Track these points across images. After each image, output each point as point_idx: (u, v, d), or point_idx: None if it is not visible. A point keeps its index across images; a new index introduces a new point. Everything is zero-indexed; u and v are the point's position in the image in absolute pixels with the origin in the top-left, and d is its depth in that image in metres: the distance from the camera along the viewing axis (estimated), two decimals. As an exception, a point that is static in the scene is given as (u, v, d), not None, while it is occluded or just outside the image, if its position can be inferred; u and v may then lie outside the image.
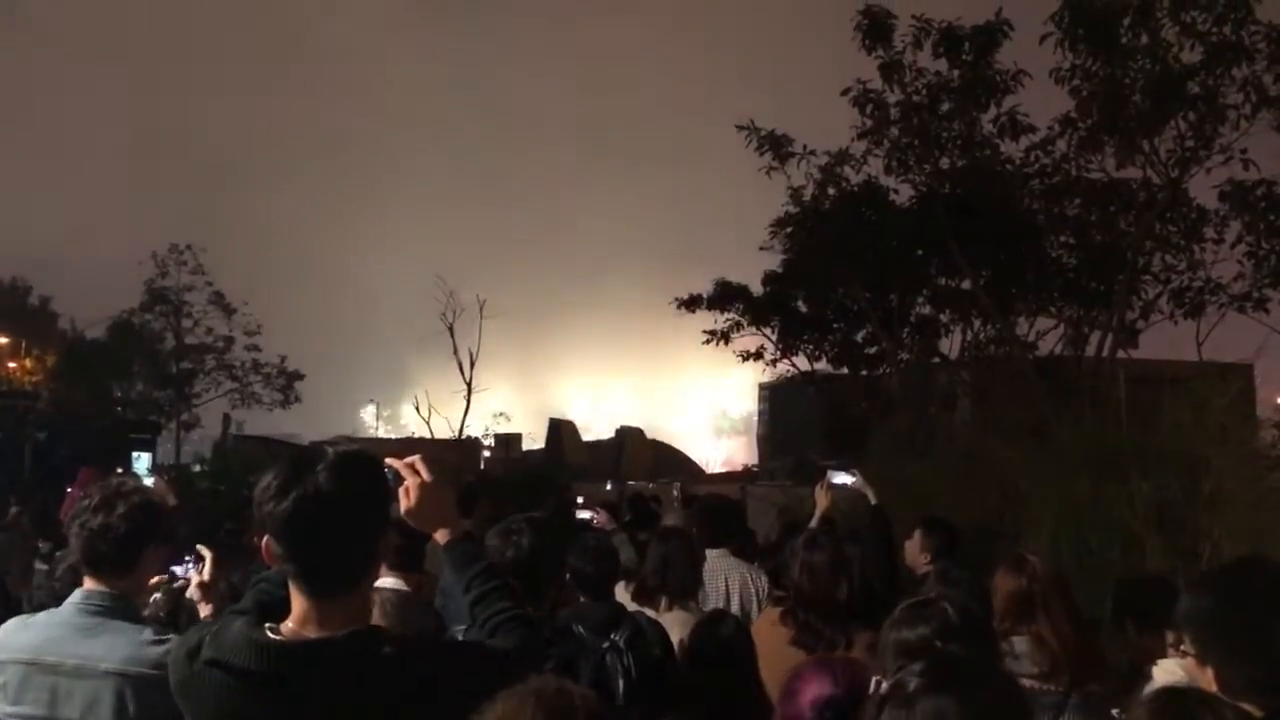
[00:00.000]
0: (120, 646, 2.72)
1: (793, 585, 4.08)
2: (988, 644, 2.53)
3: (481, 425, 36.57)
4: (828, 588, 3.93)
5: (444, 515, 2.20)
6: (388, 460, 2.10)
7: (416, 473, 2.17)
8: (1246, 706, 1.83)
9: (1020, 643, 3.20)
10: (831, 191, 14.74)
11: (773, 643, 3.80)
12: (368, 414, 57.37)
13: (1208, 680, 1.96)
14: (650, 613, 4.02)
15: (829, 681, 1.97)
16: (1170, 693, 1.96)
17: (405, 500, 2.16)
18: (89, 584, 2.86)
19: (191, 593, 3.21)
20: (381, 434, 49.59)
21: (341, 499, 1.81)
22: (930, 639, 2.36)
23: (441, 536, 2.20)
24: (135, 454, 22.34)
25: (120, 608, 2.83)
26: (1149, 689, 2.33)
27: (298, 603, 1.86)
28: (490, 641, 2.05)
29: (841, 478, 5.91)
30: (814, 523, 5.94)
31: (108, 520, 2.85)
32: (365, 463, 1.91)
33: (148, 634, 2.88)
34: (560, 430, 36.84)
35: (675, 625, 3.93)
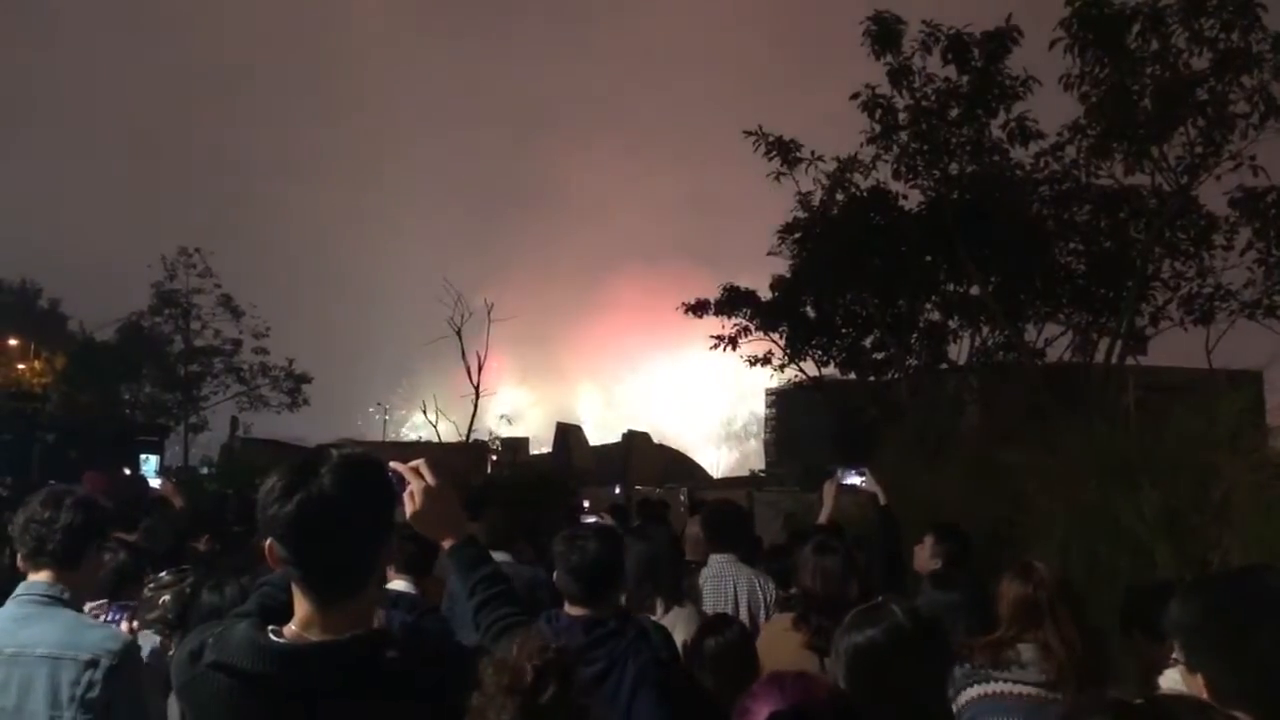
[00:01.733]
0: (53, 632, 2.76)
1: (804, 590, 4.07)
2: (939, 647, 2.52)
3: (488, 429, 36.70)
4: (840, 591, 3.93)
5: (450, 519, 2.20)
6: (391, 464, 2.09)
7: (421, 477, 2.16)
8: (1238, 714, 1.82)
9: (1026, 650, 3.18)
10: (840, 197, 14.75)
11: (787, 648, 3.80)
12: (375, 417, 57.45)
13: (1198, 687, 1.95)
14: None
15: (777, 697, 1.97)
16: (1162, 700, 1.95)
17: (410, 505, 2.15)
18: (32, 577, 2.90)
19: None
20: (389, 437, 49.62)
21: (345, 502, 1.80)
22: (879, 641, 2.36)
23: (447, 541, 2.19)
24: (143, 456, 22.39)
25: (60, 599, 2.86)
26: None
27: (301, 606, 1.85)
28: (494, 647, 2.05)
29: (851, 478, 5.91)
30: (822, 519, 5.94)
31: (55, 515, 2.90)
32: (369, 466, 1.90)
33: (84, 620, 2.91)
34: (567, 435, 36.87)
35: (677, 626, 3.93)
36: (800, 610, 4.03)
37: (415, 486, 2.15)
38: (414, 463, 2.19)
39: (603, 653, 3.17)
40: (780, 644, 3.84)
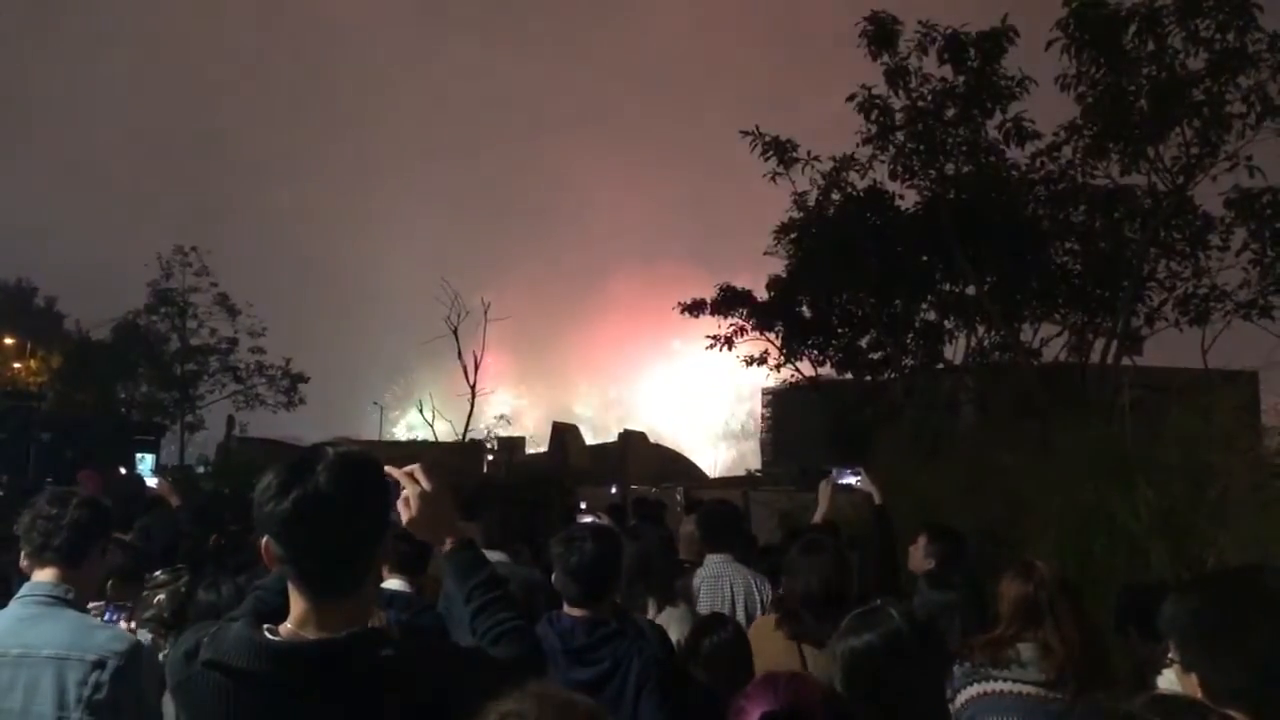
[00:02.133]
0: (60, 633, 2.75)
1: (787, 585, 4.09)
2: (937, 651, 2.52)
3: (485, 428, 36.68)
4: (825, 589, 3.93)
5: (446, 523, 2.18)
6: (387, 469, 2.07)
7: (416, 482, 2.14)
8: (1233, 714, 1.81)
9: (1026, 649, 3.18)
10: (836, 197, 14.77)
11: (772, 647, 3.81)
12: (371, 416, 57.40)
13: (1192, 686, 1.95)
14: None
15: (770, 698, 1.97)
16: (1157, 699, 1.95)
17: (406, 511, 2.13)
18: (36, 577, 2.90)
19: None
20: (385, 437, 49.55)
21: (341, 499, 1.79)
22: (876, 646, 2.36)
23: (444, 545, 2.18)
24: (139, 455, 22.39)
25: (64, 599, 2.85)
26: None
27: (297, 604, 1.85)
28: (492, 650, 2.04)
29: (847, 478, 5.92)
30: (817, 518, 5.94)
31: (62, 512, 2.91)
32: (365, 463, 1.90)
33: (90, 621, 2.91)
34: (564, 434, 36.81)
35: (670, 626, 3.92)
36: (782, 609, 4.06)
37: (411, 492, 2.13)
38: (409, 468, 2.17)
39: (606, 652, 3.17)
40: (766, 643, 3.84)
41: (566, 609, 3.33)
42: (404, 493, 2.13)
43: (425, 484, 2.14)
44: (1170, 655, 2.06)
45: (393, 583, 4.24)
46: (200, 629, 1.89)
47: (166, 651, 3.55)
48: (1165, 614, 2.07)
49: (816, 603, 3.91)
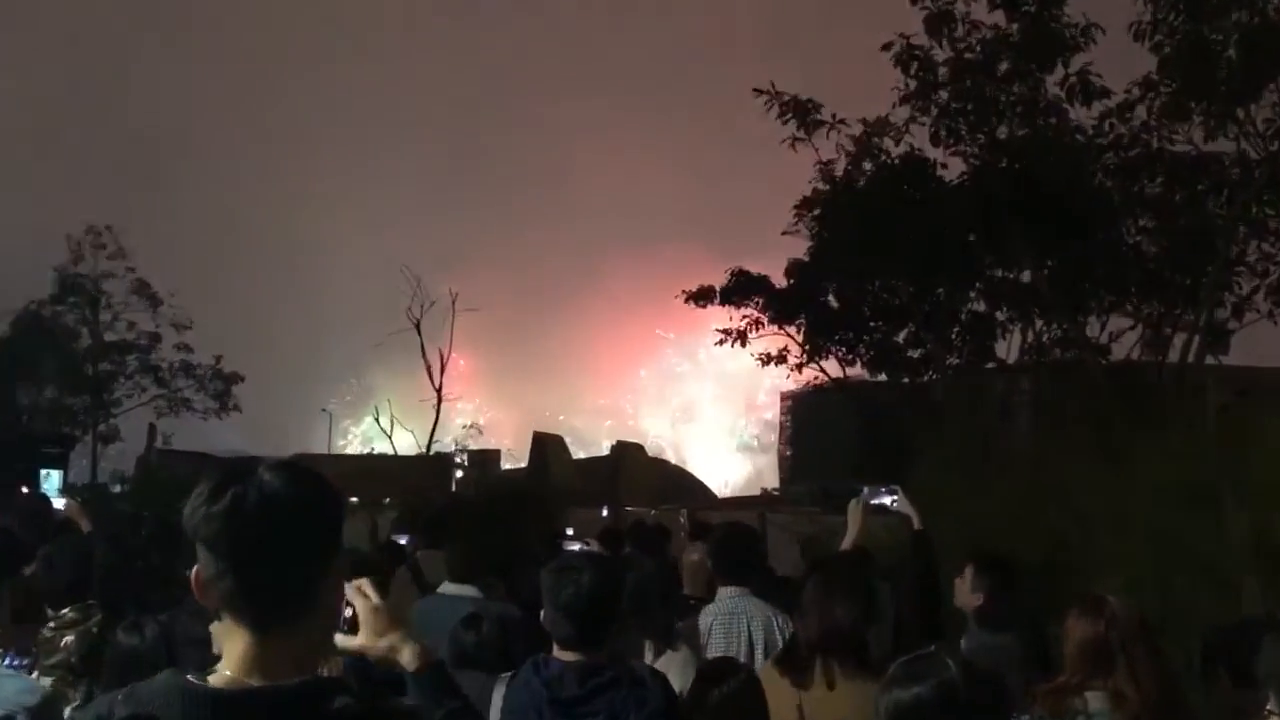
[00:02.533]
0: None
1: (799, 625, 4.09)
2: (997, 707, 2.51)
3: (453, 439, 36.70)
4: (847, 630, 3.94)
5: (402, 637, 2.32)
6: None
7: (366, 596, 2.30)
8: None
9: (1095, 699, 3.17)
10: (868, 166, 14.77)
11: (775, 696, 3.82)
12: (320, 426, 57.52)
13: None
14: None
15: None
16: None
17: (353, 633, 2.28)
18: None
19: None
20: (335, 448, 49.60)
21: (288, 494, 1.78)
22: (926, 700, 2.35)
23: (409, 661, 2.29)
24: (44, 471, 22.40)
25: None
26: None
27: (235, 644, 1.83)
28: None
29: (881, 498, 5.92)
30: (846, 545, 5.94)
31: None
32: (314, 472, 1.91)
33: None
34: (546, 446, 36.86)
35: (670, 673, 3.92)
36: (785, 649, 4.07)
37: (360, 606, 2.28)
38: (357, 582, 2.30)
39: (601, 704, 3.17)
40: (769, 691, 3.85)
41: (556, 652, 3.32)
42: (348, 611, 2.26)
43: (374, 598, 2.30)
44: (1270, 707, 2.06)
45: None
46: (108, 696, 1.87)
47: (75, 705, 3.54)
48: (1264, 658, 2.07)
49: (834, 646, 3.91)
